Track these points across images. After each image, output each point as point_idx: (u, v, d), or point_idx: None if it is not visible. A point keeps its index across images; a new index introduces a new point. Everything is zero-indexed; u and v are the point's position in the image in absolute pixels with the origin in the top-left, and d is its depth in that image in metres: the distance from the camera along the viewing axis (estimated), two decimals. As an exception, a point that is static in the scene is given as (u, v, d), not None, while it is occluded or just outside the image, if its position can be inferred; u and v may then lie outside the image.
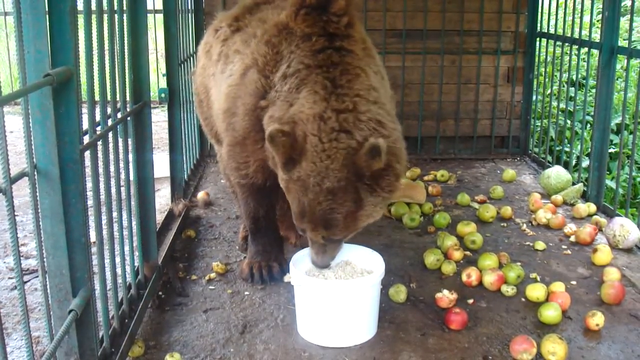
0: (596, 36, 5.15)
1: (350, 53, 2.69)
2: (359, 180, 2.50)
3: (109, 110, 2.50)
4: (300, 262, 2.92)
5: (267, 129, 2.55)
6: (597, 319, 2.82)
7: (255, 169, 2.97)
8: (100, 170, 2.37)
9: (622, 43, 4.41)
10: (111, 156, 2.52)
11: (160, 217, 3.92)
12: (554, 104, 5.74)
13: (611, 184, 5.28)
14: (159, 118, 6.90)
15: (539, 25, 5.57)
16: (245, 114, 2.85)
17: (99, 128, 2.38)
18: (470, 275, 3.25)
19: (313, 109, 2.53)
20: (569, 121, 5.14)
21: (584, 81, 4.77)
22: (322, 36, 2.69)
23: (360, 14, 2.87)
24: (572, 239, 3.84)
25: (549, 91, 6.00)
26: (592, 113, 4.56)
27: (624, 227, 3.69)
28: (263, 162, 2.87)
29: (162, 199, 4.76)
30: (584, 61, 4.68)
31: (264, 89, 2.76)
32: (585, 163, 5.04)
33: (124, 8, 2.75)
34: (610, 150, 5.31)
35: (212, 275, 3.36)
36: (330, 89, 2.57)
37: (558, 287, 3.13)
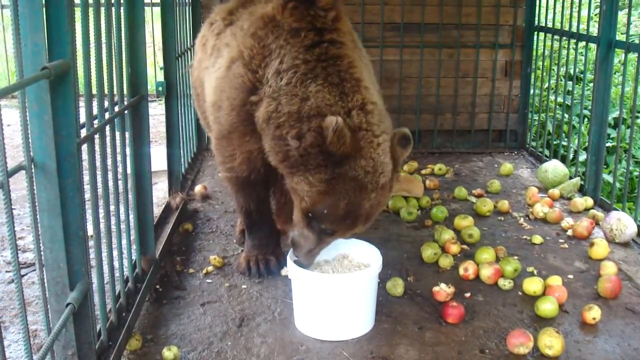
0: (594, 30, 5.14)
1: (343, 45, 2.69)
2: (395, 171, 2.57)
3: (106, 103, 2.50)
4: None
5: (327, 120, 2.36)
6: (593, 313, 2.83)
7: (241, 161, 2.96)
8: (98, 163, 2.36)
9: (620, 37, 4.41)
10: (108, 150, 2.51)
11: (157, 211, 3.91)
12: (552, 97, 5.74)
13: (608, 178, 5.29)
14: (157, 111, 6.89)
15: (536, 19, 5.57)
16: (231, 108, 2.82)
17: (96, 121, 2.38)
18: (467, 269, 3.26)
19: (347, 101, 2.49)
20: (566, 115, 5.14)
21: (582, 75, 4.77)
22: (310, 31, 2.67)
23: (346, 8, 2.86)
24: (569, 232, 3.85)
25: (546, 85, 6.01)
26: (590, 107, 4.58)
27: (621, 221, 3.70)
28: (250, 154, 2.86)
29: (160, 192, 4.76)
30: (582, 55, 4.66)
31: (252, 84, 2.73)
32: (583, 157, 5.04)
33: (121, 1, 2.74)
34: (607, 145, 5.32)
35: (210, 268, 3.36)
36: (351, 81, 2.55)
37: (555, 280, 3.14)
